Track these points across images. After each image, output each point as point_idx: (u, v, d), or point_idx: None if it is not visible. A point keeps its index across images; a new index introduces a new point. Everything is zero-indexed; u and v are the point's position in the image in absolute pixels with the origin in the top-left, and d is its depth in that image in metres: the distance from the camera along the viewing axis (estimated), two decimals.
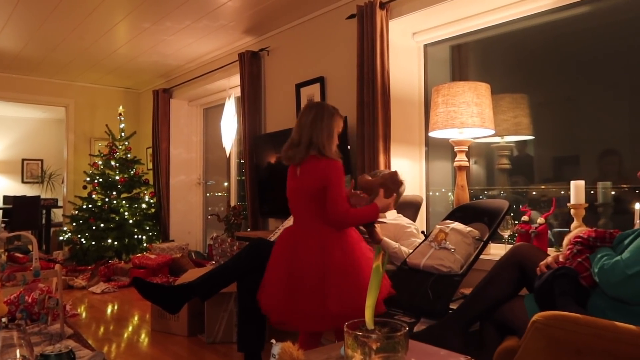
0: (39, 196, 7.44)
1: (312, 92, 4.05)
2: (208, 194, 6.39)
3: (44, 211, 7.30)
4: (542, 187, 3.10)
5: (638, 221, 2.11)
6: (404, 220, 2.85)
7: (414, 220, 3.04)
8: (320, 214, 2.19)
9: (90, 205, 5.85)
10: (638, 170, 1.79)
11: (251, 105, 4.61)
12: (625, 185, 2.71)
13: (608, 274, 1.55)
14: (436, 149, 3.54)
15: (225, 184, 5.84)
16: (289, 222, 3.07)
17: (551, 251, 2.38)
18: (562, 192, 2.84)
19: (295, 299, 2.12)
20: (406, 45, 3.54)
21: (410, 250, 2.58)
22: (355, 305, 1.84)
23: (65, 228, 6.14)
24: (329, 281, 2.08)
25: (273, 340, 1.34)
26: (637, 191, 2.61)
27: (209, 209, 6.28)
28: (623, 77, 2.78)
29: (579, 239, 1.75)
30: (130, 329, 3.58)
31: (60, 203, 7.50)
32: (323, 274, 2.10)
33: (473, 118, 2.68)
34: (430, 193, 3.59)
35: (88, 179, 5.99)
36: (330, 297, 2.05)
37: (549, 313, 1.46)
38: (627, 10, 2.71)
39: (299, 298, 2.11)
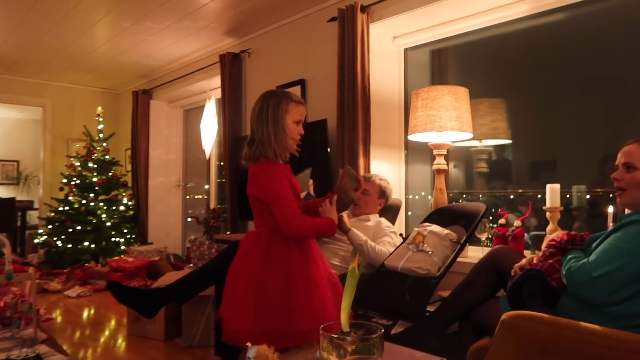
0: (14, 198, 7.27)
1: None
2: (188, 197, 6.33)
3: (19, 213, 7.14)
4: (520, 190, 3.14)
5: (611, 224, 2.15)
6: (384, 223, 2.86)
7: (393, 223, 3.05)
8: (264, 222, 1.98)
9: (67, 208, 5.74)
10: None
11: (232, 107, 4.58)
12: (599, 190, 2.76)
13: (574, 275, 1.58)
14: (416, 153, 3.56)
15: (206, 186, 5.79)
16: None
17: (527, 253, 2.41)
18: (539, 196, 2.88)
19: (233, 305, 1.93)
20: (387, 48, 3.56)
21: (379, 247, 2.60)
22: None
23: (40, 230, 6.01)
24: (268, 286, 1.88)
25: (249, 344, 1.32)
26: (610, 195, 2.66)
27: (189, 211, 6.22)
28: (598, 83, 2.84)
29: (553, 242, 1.79)
30: (106, 333, 3.52)
31: (36, 205, 7.35)
32: (261, 278, 1.90)
33: (452, 122, 2.70)
34: (410, 196, 3.61)
35: (65, 180, 5.88)
36: (269, 304, 1.87)
37: (516, 312, 1.49)
38: (603, 18, 2.77)
39: (236, 301, 1.92)
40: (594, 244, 1.67)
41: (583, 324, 1.45)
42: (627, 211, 1.77)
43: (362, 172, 3.25)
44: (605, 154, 2.82)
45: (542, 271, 1.74)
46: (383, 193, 2.92)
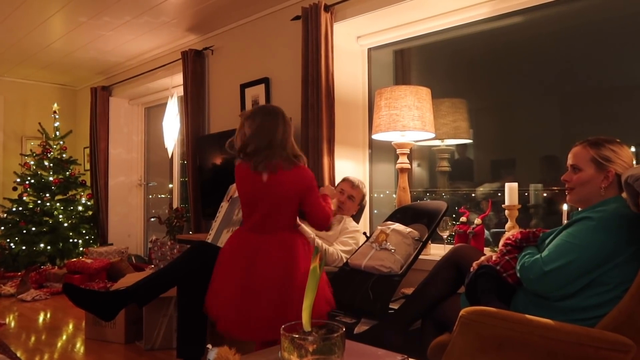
0: None
1: (257, 93, 4.01)
2: (150, 196, 6.20)
3: None
4: (480, 189, 3.21)
5: (565, 220, 2.23)
6: (348, 223, 2.89)
7: (358, 221, 3.08)
8: (289, 223, 2.19)
9: (20, 208, 5.52)
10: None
11: (194, 105, 4.51)
12: (556, 188, 2.85)
13: (528, 270, 1.64)
14: (380, 152, 3.59)
15: (170, 185, 5.68)
16: (230, 224, 3.01)
17: (487, 250, 2.47)
18: (499, 194, 2.95)
19: (253, 309, 2.05)
20: (350, 48, 3.58)
21: (338, 246, 2.66)
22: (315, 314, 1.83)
23: None
24: (294, 293, 2.02)
25: (209, 345, 1.30)
26: (566, 193, 2.75)
27: (153, 211, 6.08)
28: (555, 84, 2.93)
29: (508, 241, 1.85)
30: (63, 337, 3.40)
31: None
32: (287, 287, 2.04)
33: (414, 121, 2.73)
34: (375, 195, 3.64)
35: (18, 180, 5.66)
36: (293, 307, 1.98)
37: (473, 308, 1.53)
38: (559, 21, 2.86)
39: (257, 308, 2.05)
40: (547, 240, 1.72)
41: (536, 318, 1.50)
42: (579, 209, 1.84)
43: (326, 171, 3.26)
44: (549, 155, 2.93)
45: (493, 268, 1.79)
46: (362, 199, 3.03)
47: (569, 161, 1.77)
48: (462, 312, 1.53)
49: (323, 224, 2.22)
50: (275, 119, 2.21)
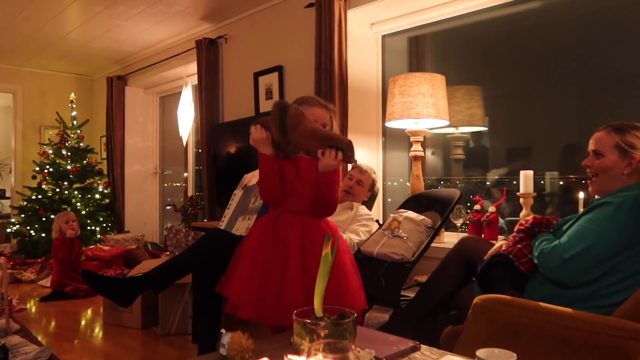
0: None
1: (270, 81, 4.01)
2: (165, 184, 6.25)
3: None
4: (496, 177, 3.18)
5: (581, 209, 2.20)
6: (361, 211, 2.89)
7: (370, 209, 3.07)
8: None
9: (40, 196, 5.62)
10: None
11: (208, 93, 4.53)
12: (572, 176, 2.82)
13: (547, 257, 1.62)
14: (393, 139, 3.58)
15: (185, 174, 5.73)
16: (246, 212, 3.03)
17: (501, 239, 2.45)
18: (515, 182, 2.93)
19: (279, 293, 1.93)
20: (364, 35, 3.55)
21: (352, 235, 2.65)
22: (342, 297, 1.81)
23: (13, 220, 5.88)
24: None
25: (223, 330, 1.32)
26: (583, 181, 2.72)
27: (169, 199, 6.15)
28: (573, 71, 2.88)
29: (521, 227, 1.82)
30: (82, 322, 3.48)
31: (8, 194, 7.17)
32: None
33: (428, 109, 2.71)
34: (389, 183, 3.63)
35: (37, 168, 5.75)
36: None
37: (488, 296, 1.52)
38: (578, 7, 2.80)
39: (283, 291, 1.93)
40: (565, 227, 1.70)
41: (551, 306, 1.49)
42: (596, 197, 1.81)
43: None
44: (567, 143, 2.88)
45: (506, 256, 1.77)
46: (373, 186, 3.02)
47: (591, 146, 1.73)
48: (476, 299, 1.53)
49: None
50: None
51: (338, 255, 1.94)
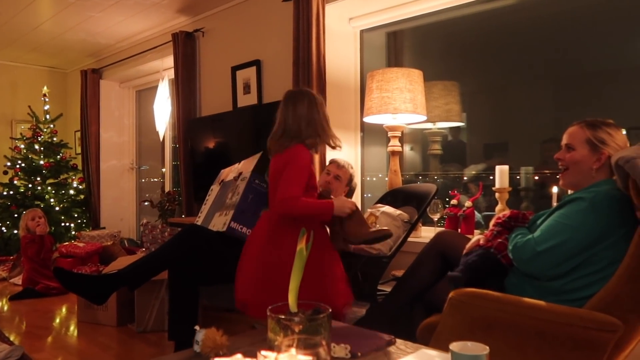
0: None
1: (248, 76, 3.97)
2: (142, 180, 6.16)
3: None
4: (473, 172, 3.21)
5: (555, 203, 2.24)
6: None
7: None
8: None
9: (11, 192, 5.48)
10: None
11: (185, 87, 4.46)
12: (547, 171, 2.86)
13: (520, 251, 1.64)
14: (372, 135, 3.58)
15: (163, 169, 5.65)
16: (223, 207, 3.00)
17: (477, 233, 2.48)
18: (491, 177, 2.96)
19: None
20: (342, 30, 3.54)
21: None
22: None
23: None
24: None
25: (197, 327, 1.30)
26: (557, 176, 2.76)
27: (146, 195, 6.06)
28: (549, 68, 2.92)
29: (499, 220, 1.84)
30: (56, 321, 3.41)
31: None
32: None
33: (406, 104, 2.72)
34: (367, 178, 3.64)
35: (9, 163, 5.61)
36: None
37: (463, 290, 1.53)
38: (554, 4, 2.84)
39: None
40: (539, 221, 1.73)
41: (525, 299, 1.51)
42: (569, 192, 1.84)
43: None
44: (543, 139, 2.92)
45: (489, 250, 1.78)
46: (350, 181, 3.00)
47: (564, 140, 1.76)
48: (452, 293, 1.54)
49: (284, 203, 2.04)
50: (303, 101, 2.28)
51: (314, 250, 1.96)
